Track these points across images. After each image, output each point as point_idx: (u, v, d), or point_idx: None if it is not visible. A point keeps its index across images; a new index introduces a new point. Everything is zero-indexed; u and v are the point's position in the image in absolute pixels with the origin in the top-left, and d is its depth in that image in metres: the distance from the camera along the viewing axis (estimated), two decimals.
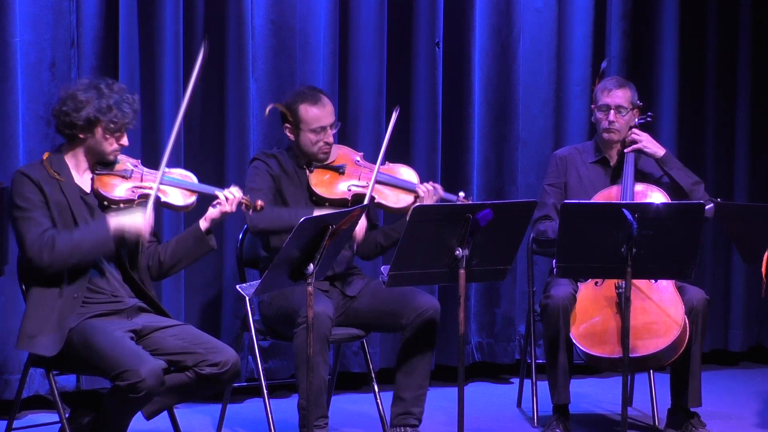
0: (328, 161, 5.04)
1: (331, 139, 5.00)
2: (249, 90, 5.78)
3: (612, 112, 5.30)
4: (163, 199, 4.38)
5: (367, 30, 6.02)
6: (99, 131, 4.29)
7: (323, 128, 4.97)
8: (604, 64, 5.79)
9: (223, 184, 5.70)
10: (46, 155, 4.35)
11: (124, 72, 5.49)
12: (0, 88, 5.32)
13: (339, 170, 5.01)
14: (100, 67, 5.49)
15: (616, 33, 6.51)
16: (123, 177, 4.36)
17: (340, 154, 5.08)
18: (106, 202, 4.34)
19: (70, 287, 4.26)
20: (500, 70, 6.30)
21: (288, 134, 5.04)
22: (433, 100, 6.16)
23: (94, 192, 4.34)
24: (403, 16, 6.14)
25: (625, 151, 5.30)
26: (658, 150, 5.32)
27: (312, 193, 4.99)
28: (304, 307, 4.62)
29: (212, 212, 4.47)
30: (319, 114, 4.97)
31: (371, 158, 5.05)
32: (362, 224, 4.92)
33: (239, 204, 4.48)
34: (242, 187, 4.82)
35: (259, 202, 4.54)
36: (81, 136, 4.30)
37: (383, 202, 4.99)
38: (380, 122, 6.04)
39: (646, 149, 5.30)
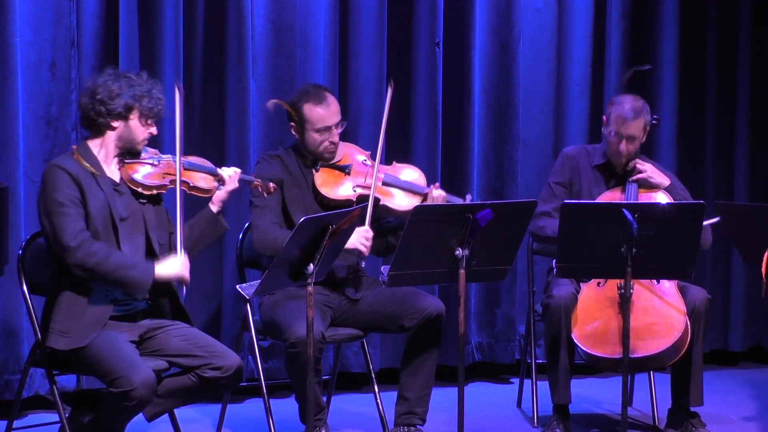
0: (335, 160, 5.02)
1: (336, 139, 4.98)
2: (249, 90, 5.78)
3: (623, 142, 5.26)
4: (192, 184, 4.45)
5: (367, 30, 6.02)
6: (134, 118, 4.34)
7: (328, 128, 4.95)
8: (628, 73, 5.73)
9: (222, 183, 5.71)
10: (75, 148, 4.36)
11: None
12: (0, 88, 5.32)
13: (345, 170, 5.00)
14: (100, 67, 5.47)
15: (616, 33, 6.50)
16: (152, 164, 4.41)
17: (347, 152, 5.06)
18: (140, 189, 4.37)
19: (102, 285, 4.27)
20: (500, 70, 6.30)
21: (293, 132, 5.03)
22: (433, 100, 6.16)
23: (125, 180, 4.36)
24: (403, 16, 6.14)
25: (629, 180, 5.26)
26: (663, 180, 5.27)
27: (317, 194, 4.98)
28: (291, 328, 4.64)
29: (219, 193, 4.53)
30: (323, 114, 4.94)
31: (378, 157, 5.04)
32: (368, 236, 4.88)
33: (255, 187, 4.63)
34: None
35: (272, 185, 4.64)
36: (114, 124, 4.33)
37: (388, 204, 4.97)
38: (380, 122, 6.01)
39: (650, 179, 5.24)
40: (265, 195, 4.70)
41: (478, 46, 6.25)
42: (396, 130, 6.12)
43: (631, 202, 5.11)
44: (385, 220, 5.10)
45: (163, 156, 4.46)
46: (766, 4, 6.77)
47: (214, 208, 4.52)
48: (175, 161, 4.42)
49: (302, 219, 4.04)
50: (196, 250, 4.54)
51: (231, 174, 4.55)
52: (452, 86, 6.21)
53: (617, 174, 5.35)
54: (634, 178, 5.25)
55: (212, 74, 5.77)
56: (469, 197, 5.06)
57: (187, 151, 5.64)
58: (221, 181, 4.53)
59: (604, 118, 5.36)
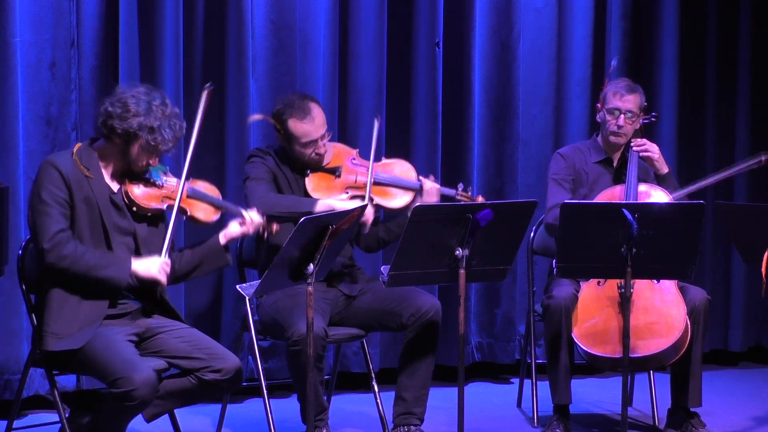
0: (323, 163, 5.02)
1: (322, 150, 4.97)
2: (249, 90, 5.78)
3: (622, 117, 5.29)
4: (189, 212, 4.40)
5: (367, 30, 6.02)
6: (135, 146, 4.26)
7: (313, 142, 4.94)
8: (614, 63, 5.74)
9: (223, 184, 5.72)
10: (77, 147, 4.32)
11: (124, 72, 5.49)
12: (0, 88, 5.32)
13: (335, 173, 5.00)
14: (100, 67, 5.50)
15: (616, 33, 6.51)
16: (156, 186, 4.36)
17: (335, 153, 5.06)
18: (135, 208, 4.33)
19: (96, 286, 4.24)
20: (500, 70, 6.30)
21: (279, 141, 5.02)
22: (433, 100, 6.16)
23: (125, 195, 4.32)
24: (403, 16, 6.14)
25: (635, 150, 5.29)
26: (664, 167, 5.33)
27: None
28: (294, 326, 4.64)
29: (233, 231, 4.49)
30: (308, 129, 4.92)
31: (367, 154, 5.03)
32: (370, 210, 4.89)
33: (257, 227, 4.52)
34: (242, 180, 4.96)
35: (275, 226, 4.55)
36: (116, 141, 4.27)
37: (382, 203, 4.98)
38: (380, 123, 6.02)
39: (656, 162, 5.29)
40: (265, 236, 4.61)
41: (478, 46, 6.25)
42: (396, 130, 6.13)
43: (630, 202, 5.10)
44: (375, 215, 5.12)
45: (169, 179, 4.39)
46: (766, 5, 6.78)
47: (222, 240, 4.48)
48: (180, 185, 4.37)
49: (302, 219, 4.04)
50: (194, 275, 4.52)
51: (255, 219, 4.48)
52: (452, 86, 6.21)
53: (616, 168, 5.37)
54: (643, 154, 5.27)
55: (212, 74, 5.77)
56: (461, 186, 5.07)
57: (186, 153, 5.67)
58: (242, 219, 4.48)
59: (599, 104, 5.39)
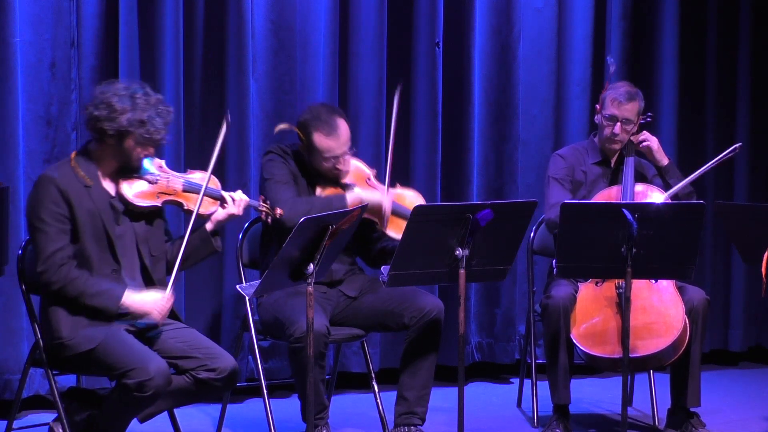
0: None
1: (343, 166, 4.92)
2: (249, 90, 5.78)
3: (618, 124, 5.30)
4: (185, 206, 4.37)
5: (367, 30, 6.02)
6: (129, 142, 4.25)
7: (336, 157, 4.92)
8: (612, 68, 5.74)
9: (223, 184, 5.69)
10: (73, 155, 4.31)
11: (124, 72, 5.49)
12: (0, 88, 5.32)
13: (348, 189, 4.96)
14: (100, 67, 5.50)
15: (616, 33, 6.51)
16: (149, 182, 4.35)
17: (352, 171, 5.02)
18: (131, 207, 4.32)
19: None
20: (500, 70, 6.30)
21: (300, 150, 4.99)
22: (433, 100, 6.16)
23: (119, 196, 4.32)
24: (403, 16, 6.14)
25: (638, 142, 5.31)
26: (663, 159, 5.36)
27: None
28: (296, 323, 4.63)
29: (218, 214, 4.47)
30: (332, 145, 4.88)
31: (382, 178, 4.99)
32: (387, 201, 4.90)
33: (250, 209, 4.50)
34: (260, 181, 4.94)
35: (279, 211, 4.55)
36: (110, 142, 4.27)
37: (389, 232, 4.95)
38: (380, 122, 6.03)
39: (656, 153, 5.33)
40: (269, 221, 4.61)
41: (478, 46, 6.25)
42: (396, 131, 6.11)
43: (630, 202, 5.11)
44: (374, 234, 5.08)
45: (163, 174, 4.38)
46: (766, 5, 6.78)
47: (209, 226, 4.46)
48: (176, 180, 4.37)
49: (302, 219, 4.04)
50: (185, 265, 4.48)
51: (236, 198, 4.47)
52: (452, 86, 6.21)
53: (613, 168, 5.38)
54: (642, 144, 5.28)
55: (212, 74, 5.77)
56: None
57: (186, 152, 5.68)
58: (223, 201, 4.46)
59: (598, 106, 5.39)
